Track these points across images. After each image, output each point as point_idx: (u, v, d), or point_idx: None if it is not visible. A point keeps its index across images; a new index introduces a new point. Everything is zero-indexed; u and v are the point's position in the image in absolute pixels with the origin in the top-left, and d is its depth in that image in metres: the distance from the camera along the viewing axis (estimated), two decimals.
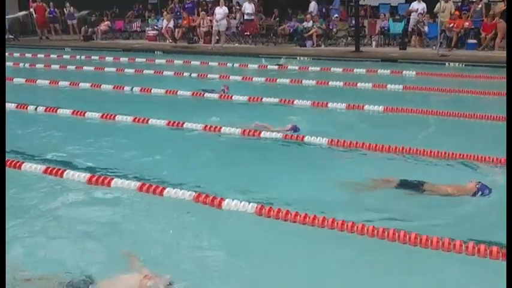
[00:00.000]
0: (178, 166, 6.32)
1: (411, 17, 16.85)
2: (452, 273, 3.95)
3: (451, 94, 10.14)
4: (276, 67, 13.70)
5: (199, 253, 4.21)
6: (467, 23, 15.81)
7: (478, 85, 10.73)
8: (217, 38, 17.47)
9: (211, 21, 18.48)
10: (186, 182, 5.50)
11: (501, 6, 14.33)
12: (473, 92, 10.04)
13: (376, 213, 4.80)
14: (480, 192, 5.00)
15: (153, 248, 4.27)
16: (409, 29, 16.88)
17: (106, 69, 13.94)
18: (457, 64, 13.49)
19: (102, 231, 4.57)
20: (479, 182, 5.09)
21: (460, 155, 6.21)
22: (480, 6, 16.45)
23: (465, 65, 13.32)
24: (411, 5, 17.07)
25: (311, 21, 17.59)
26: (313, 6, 18.57)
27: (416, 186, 5.21)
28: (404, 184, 5.29)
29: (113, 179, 5.53)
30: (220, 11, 17.26)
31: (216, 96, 10.02)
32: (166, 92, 10.49)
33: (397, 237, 4.23)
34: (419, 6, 16.63)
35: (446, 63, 13.64)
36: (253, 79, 12.17)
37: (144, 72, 13.37)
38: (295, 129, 7.35)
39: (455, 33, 15.71)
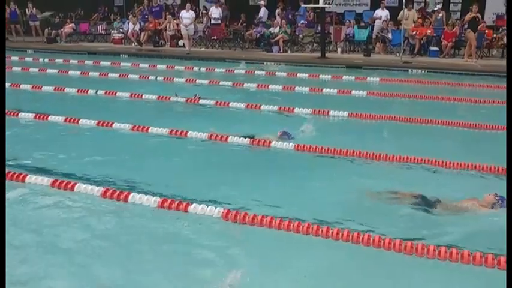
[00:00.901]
0: (144, 171, 6.24)
1: (375, 24, 17.24)
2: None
3: (413, 100, 10.39)
4: (243, 71, 13.74)
5: (165, 259, 4.18)
6: (429, 31, 16.27)
7: (439, 91, 11.04)
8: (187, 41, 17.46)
9: (177, 25, 18.40)
10: (152, 187, 5.45)
11: (469, 16, 14.75)
12: (435, 97, 10.31)
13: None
14: (500, 203, 4.89)
15: (116, 255, 4.21)
16: (374, 36, 17.25)
17: (70, 72, 13.69)
18: (419, 71, 13.84)
19: (64, 237, 4.47)
20: (496, 194, 4.99)
21: (421, 159, 6.36)
22: (441, 15, 16.98)
23: (427, 72, 13.68)
24: (375, 12, 17.48)
25: (278, 27, 17.74)
26: (263, 11, 18.86)
27: (433, 204, 5.07)
28: (421, 199, 5.14)
29: (76, 183, 5.43)
30: (188, 15, 17.23)
31: (182, 99, 9.97)
32: (131, 95, 10.38)
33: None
34: (383, 14, 17.05)
35: (409, 70, 13.98)
36: (220, 83, 12.16)
37: (109, 75, 13.18)
38: (286, 134, 7.27)
39: (418, 40, 16.13)
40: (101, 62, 15.38)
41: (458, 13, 18.96)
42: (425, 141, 7.44)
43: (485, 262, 3.99)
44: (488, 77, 12.90)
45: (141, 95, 10.32)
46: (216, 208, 4.81)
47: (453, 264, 4.04)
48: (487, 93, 10.95)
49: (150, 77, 12.75)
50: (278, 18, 18.38)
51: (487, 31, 15.39)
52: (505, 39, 15.69)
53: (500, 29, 16.24)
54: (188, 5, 17.79)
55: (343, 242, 4.32)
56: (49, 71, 13.92)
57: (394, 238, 4.27)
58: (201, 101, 9.85)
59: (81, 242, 4.42)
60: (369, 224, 4.66)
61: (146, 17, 19.78)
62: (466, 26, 15.37)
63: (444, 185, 5.79)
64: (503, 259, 3.92)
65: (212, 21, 18.55)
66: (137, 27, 19.24)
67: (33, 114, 8.56)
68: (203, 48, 18.50)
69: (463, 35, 16.39)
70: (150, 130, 7.76)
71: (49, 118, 8.40)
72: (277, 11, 18.92)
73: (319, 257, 4.25)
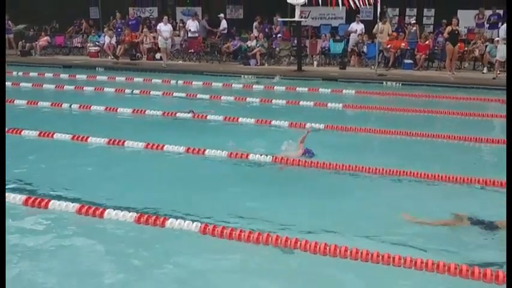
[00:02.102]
0: (119, 186, 6.16)
1: (351, 37, 17.50)
2: None
3: (388, 112, 10.53)
4: (221, 84, 13.77)
5: (144, 275, 4.13)
6: (403, 44, 16.58)
7: (413, 103, 11.22)
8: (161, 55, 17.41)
9: (154, 38, 18.36)
10: (127, 203, 5.38)
11: (449, 30, 15.08)
12: (409, 110, 10.47)
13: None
14: None
15: (92, 271, 4.14)
16: (349, 49, 17.50)
17: (44, 85, 13.49)
18: (394, 83, 14.06)
19: (39, 254, 4.38)
20: None
21: (403, 172, 6.44)
22: (415, 28, 17.33)
23: (402, 84, 13.91)
24: (350, 26, 17.75)
25: (254, 40, 17.86)
26: (223, 24, 19.07)
27: (490, 225, 4.91)
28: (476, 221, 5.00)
29: (50, 200, 5.33)
30: (166, 28, 17.15)
31: (159, 113, 9.91)
32: (106, 109, 10.27)
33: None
34: (358, 27, 17.33)
35: (384, 82, 14.19)
36: (198, 96, 12.15)
37: (84, 89, 13.05)
38: (308, 152, 6.99)
39: (392, 53, 16.41)
40: (77, 76, 15.22)
41: (431, 26, 19.41)
42: (402, 153, 7.55)
43: None
44: (461, 89, 13.18)
45: (117, 109, 10.22)
46: (193, 223, 4.77)
47: None
48: (460, 105, 11.18)
49: (126, 91, 12.66)
50: (255, 32, 18.52)
51: (459, 44, 15.73)
52: (476, 52, 16.10)
53: (471, 43, 16.63)
54: (166, 17, 17.77)
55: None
56: (23, 84, 13.70)
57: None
58: (178, 115, 9.81)
59: (54, 256, 4.33)
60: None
61: (119, 30, 19.68)
62: (443, 39, 15.76)
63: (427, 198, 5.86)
64: None
65: (189, 35, 18.57)
66: (113, 41, 19.12)
67: (6, 129, 8.39)
68: (180, 61, 18.48)
69: (436, 47, 16.79)
70: (126, 144, 7.68)
71: (22, 133, 8.25)
72: (255, 24, 19.06)
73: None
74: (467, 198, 5.89)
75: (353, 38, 17.38)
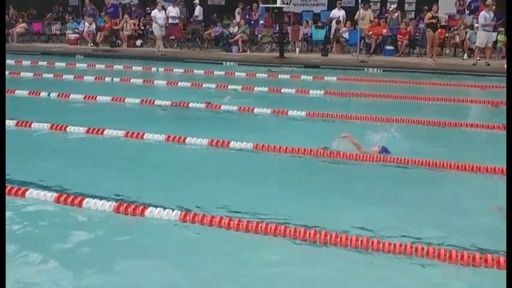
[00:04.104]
0: (99, 175, 6.09)
1: (333, 24, 17.46)
2: None
3: (369, 98, 10.58)
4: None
5: (124, 265, 4.10)
6: (384, 30, 16.61)
7: (394, 89, 11.27)
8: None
9: (134, 24, 18.10)
10: (107, 192, 5.31)
11: (429, 17, 15.16)
12: (390, 96, 10.52)
13: None
14: None
15: (71, 259, 4.10)
16: (331, 36, 17.47)
17: (22, 73, 13.22)
18: (375, 70, 14.10)
19: (15, 244, 4.31)
20: None
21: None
22: (396, 14, 17.37)
23: (383, 71, 13.96)
24: (332, 13, 17.70)
25: (236, 27, 17.73)
26: (198, 10, 18.88)
27: None
28: None
29: (27, 189, 5.24)
30: (161, 15, 16.77)
31: (137, 101, 9.80)
32: (85, 97, 10.11)
33: None
34: (340, 13, 17.28)
35: (366, 69, 14.23)
36: (179, 84, 12.04)
37: (63, 77, 12.84)
38: (385, 150, 6.62)
39: (373, 40, 16.44)
40: (56, 63, 14.96)
41: (413, 13, 19.46)
42: (385, 139, 7.57)
43: None
44: (441, 75, 13.28)
45: (96, 97, 10.07)
46: (173, 211, 4.74)
47: None
48: (441, 91, 11.27)
49: (106, 78, 12.48)
50: (238, 17, 18.37)
51: (439, 30, 15.83)
52: (457, 38, 16.23)
53: (452, 29, 16.74)
54: (160, 4, 17.38)
55: None
56: None
57: None
58: (157, 102, 9.72)
59: (31, 246, 4.28)
60: None
61: (97, 17, 19.34)
62: (423, 26, 15.85)
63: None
64: None
65: (170, 21, 18.33)
66: (93, 27, 18.81)
67: None
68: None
69: (417, 34, 16.86)
70: (105, 133, 7.58)
71: None
72: (237, 10, 18.92)
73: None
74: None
75: (335, 24, 17.35)
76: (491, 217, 4.90)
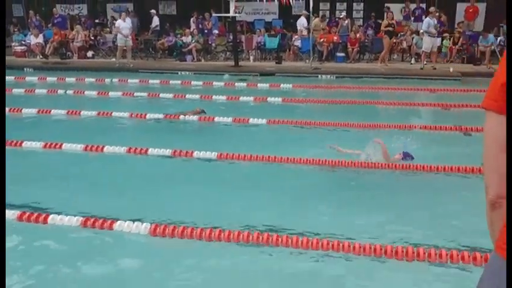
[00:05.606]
0: (60, 191, 5.95)
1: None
2: None
3: (324, 104, 10.82)
4: (158, 81, 13.57)
5: (92, 282, 4.04)
6: (335, 38, 17.06)
7: (347, 95, 11.54)
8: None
9: (85, 35, 17.75)
10: (70, 207, 5.22)
11: (385, 24, 15.72)
12: (343, 101, 10.77)
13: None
14: None
15: (37, 278, 4.00)
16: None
17: None
18: (328, 76, 14.45)
19: None
20: None
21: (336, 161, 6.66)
22: (346, 22, 17.88)
23: (336, 77, 14.32)
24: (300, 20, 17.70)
25: (190, 36, 17.72)
26: (156, 20, 18.86)
27: None
28: None
29: None
30: (126, 25, 16.31)
31: (94, 113, 9.63)
32: (39, 111, 9.84)
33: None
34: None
35: (319, 76, 14.55)
36: (135, 94, 11.91)
37: (13, 91, 12.42)
38: (409, 156, 6.56)
39: (325, 47, 16.84)
40: None
41: (361, 20, 20.09)
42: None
43: None
44: (390, 80, 13.74)
45: (50, 111, 9.82)
46: (142, 224, 4.71)
47: None
48: (391, 95, 11.67)
49: (59, 91, 12.18)
50: (193, 26, 18.38)
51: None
52: (404, 44, 16.88)
53: (399, 35, 17.38)
54: (124, 13, 16.98)
55: None
56: None
57: None
58: (115, 114, 9.58)
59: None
60: None
61: (43, 28, 18.87)
62: (372, 32, 16.38)
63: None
64: None
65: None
66: (40, 39, 18.29)
67: None
68: (113, 59, 17.97)
69: (366, 40, 17.41)
70: (63, 147, 7.42)
71: None
72: (192, 19, 18.93)
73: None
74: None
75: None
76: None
